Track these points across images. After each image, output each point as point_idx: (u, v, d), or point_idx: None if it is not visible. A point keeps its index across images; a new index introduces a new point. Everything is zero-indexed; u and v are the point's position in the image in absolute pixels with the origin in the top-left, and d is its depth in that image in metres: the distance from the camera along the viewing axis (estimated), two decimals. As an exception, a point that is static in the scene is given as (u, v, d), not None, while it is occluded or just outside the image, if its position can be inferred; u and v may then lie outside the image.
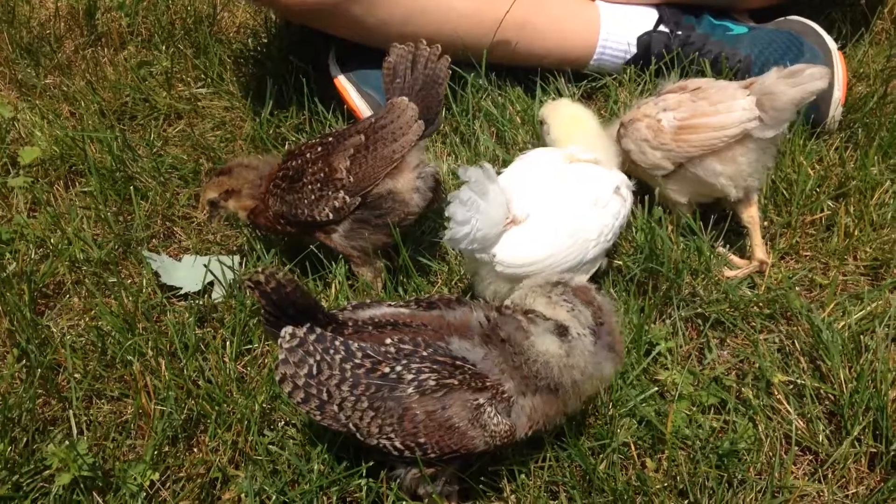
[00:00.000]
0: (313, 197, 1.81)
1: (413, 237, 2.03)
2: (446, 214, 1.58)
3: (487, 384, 1.40)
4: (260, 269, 1.40)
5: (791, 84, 1.75)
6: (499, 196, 1.65)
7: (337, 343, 1.40)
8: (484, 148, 2.26)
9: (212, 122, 2.48)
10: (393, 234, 1.81)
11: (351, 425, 1.41)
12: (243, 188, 1.93)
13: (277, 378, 1.42)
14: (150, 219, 2.15)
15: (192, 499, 1.56)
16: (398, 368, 1.38)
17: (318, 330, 1.41)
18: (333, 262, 1.90)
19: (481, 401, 1.39)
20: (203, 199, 1.95)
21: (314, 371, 1.39)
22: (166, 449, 1.63)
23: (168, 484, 1.59)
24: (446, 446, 1.40)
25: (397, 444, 1.40)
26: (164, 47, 2.72)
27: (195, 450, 1.66)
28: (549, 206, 1.71)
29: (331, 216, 1.81)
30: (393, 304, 1.50)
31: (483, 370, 1.40)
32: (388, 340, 1.41)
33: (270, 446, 1.61)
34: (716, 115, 1.80)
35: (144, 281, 1.97)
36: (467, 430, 1.39)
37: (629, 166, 1.96)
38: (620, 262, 1.93)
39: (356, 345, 1.40)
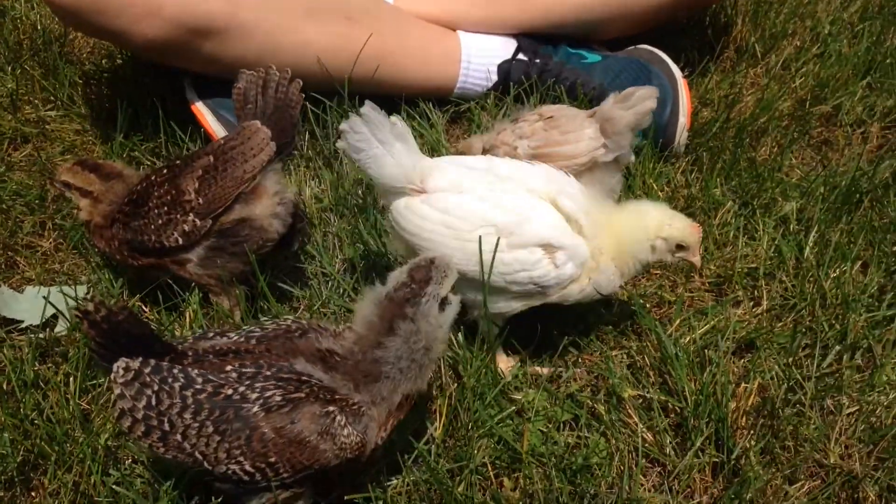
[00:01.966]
0: (160, 221, 1.74)
1: (273, 262, 1.99)
2: (341, 127, 1.64)
3: (336, 397, 1.38)
4: (88, 297, 1.33)
5: (625, 108, 1.85)
6: (400, 153, 1.65)
7: (175, 371, 1.35)
8: (347, 171, 2.25)
9: (61, 145, 2.37)
10: (250, 261, 1.77)
11: (197, 454, 1.35)
12: (105, 199, 1.84)
13: (116, 414, 1.36)
14: (-11, 249, 2.03)
15: (28, 547, 1.47)
16: (241, 389, 1.35)
17: (153, 361, 1.36)
18: (186, 291, 1.83)
19: (331, 408, 1.37)
20: (60, 175, 1.86)
21: (153, 402, 1.34)
22: (0, 494, 1.53)
23: (1, 532, 1.49)
24: (298, 463, 1.37)
25: (247, 467, 1.36)
26: (9, 68, 2.59)
27: (33, 493, 1.56)
28: (463, 200, 1.67)
29: (180, 241, 1.75)
30: (235, 333, 1.47)
31: (331, 386, 1.39)
32: (229, 367, 1.37)
33: (115, 486, 1.53)
34: (566, 144, 1.88)
35: (-19, 315, 1.85)
36: (318, 443, 1.36)
37: None
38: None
39: (195, 371, 1.36)
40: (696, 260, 1.73)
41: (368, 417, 1.41)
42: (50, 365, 1.76)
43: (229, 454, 1.36)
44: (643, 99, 1.84)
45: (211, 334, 1.48)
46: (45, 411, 1.64)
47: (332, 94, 2.32)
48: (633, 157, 2.02)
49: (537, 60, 2.45)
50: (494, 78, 2.46)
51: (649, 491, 1.62)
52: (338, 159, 2.30)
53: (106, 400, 1.68)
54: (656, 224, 1.68)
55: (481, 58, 2.46)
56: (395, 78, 2.38)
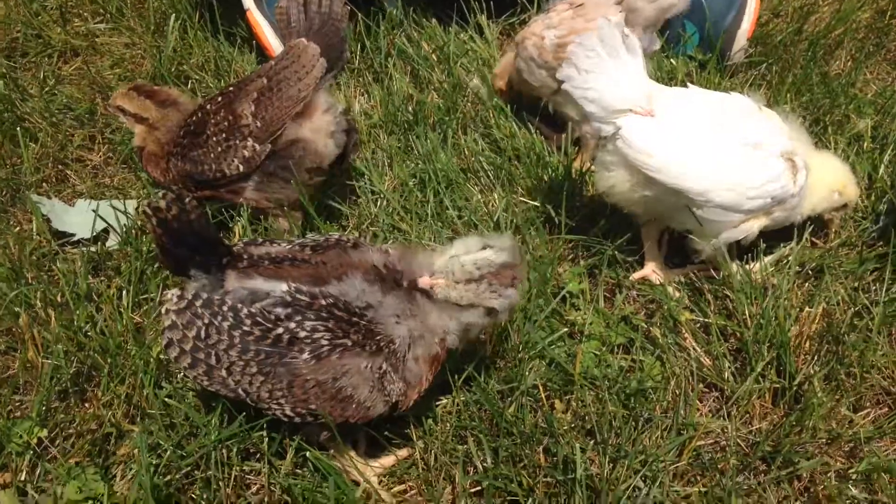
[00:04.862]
0: (220, 149, 1.70)
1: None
2: (569, 49, 1.57)
3: (381, 344, 1.35)
4: (161, 195, 1.30)
5: (649, 1, 1.88)
6: (633, 71, 1.57)
7: (225, 309, 1.33)
8: (398, 87, 2.19)
9: (111, 59, 2.35)
10: (304, 184, 1.73)
11: (240, 390, 1.36)
12: (161, 127, 1.81)
13: (164, 343, 1.36)
14: (40, 162, 2.03)
15: (84, 455, 1.49)
16: (291, 326, 1.32)
17: (205, 295, 1.34)
18: (233, 210, 1.81)
19: (384, 367, 1.35)
20: (115, 100, 1.82)
21: (202, 335, 1.33)
22: (55, 404, 1.56)
23: (57, 441, 1.51)
24: (340, 416, 1.36)
25: (287, 411, 1.36)
26: (57, -21, 2.55)
27: (87, 405, 1.58)
28: (696, 121, 1.61)
29: (241, 168, 1.71)
30: (286, 242, 1.44)
31: (377, 319, 1.36)
32: (285, 287, 1.34)
33: (168, 399, 1.54)
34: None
35: (34, 228, 1.86)
36: (365, 399, 1.35)
37: (523, 86, 2.03)
38: (538, 203, 1.89)
39: (245, 311, 1.33)
40: (839, 223, 1.84)
41: (411, 360, 1.38)
42: (102, 278, 1.77)
43: (271, 395, 1.35)
44: None
45: (260, 240, 1.45)
46: (98, 324, 1.65)
47: None
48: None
49: None
50: None
51: (705, 416, 1.58)
52: (387, 74, 2.23)
53: (158, 314, 1.69)
54: (845, 178, 1.77)
55: None
56: None
